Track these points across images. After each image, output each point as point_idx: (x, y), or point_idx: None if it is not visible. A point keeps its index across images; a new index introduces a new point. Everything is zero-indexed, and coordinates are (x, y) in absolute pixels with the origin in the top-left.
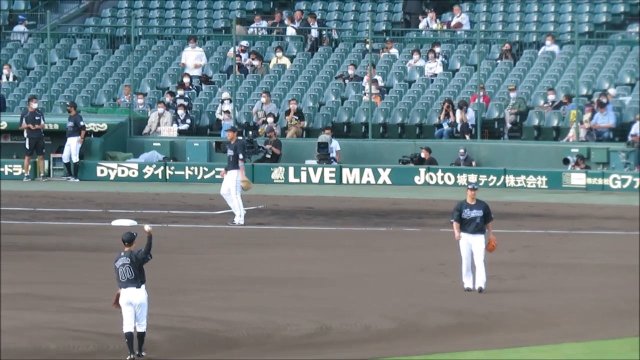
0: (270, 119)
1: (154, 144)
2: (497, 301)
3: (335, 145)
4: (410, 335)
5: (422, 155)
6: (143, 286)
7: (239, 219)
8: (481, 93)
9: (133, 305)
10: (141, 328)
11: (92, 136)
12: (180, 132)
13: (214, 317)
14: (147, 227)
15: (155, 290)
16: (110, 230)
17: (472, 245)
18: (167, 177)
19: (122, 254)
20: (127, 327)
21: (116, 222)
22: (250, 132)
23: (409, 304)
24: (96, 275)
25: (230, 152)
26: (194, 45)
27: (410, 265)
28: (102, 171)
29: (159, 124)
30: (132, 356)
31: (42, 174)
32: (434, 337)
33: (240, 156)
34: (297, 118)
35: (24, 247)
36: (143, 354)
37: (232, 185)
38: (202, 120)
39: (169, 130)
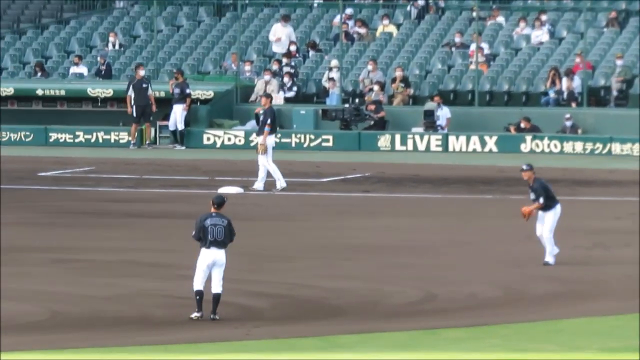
0: (376, 87)
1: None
2: (602, 269)
3: (445, 112)
4: (516, 303)
5: (522, 125)
6: (225, 249)
7: (279, 183)
8: (577, 60)
9: (215, 267)
10: (219, 289)
11: (198, 104)
12: (287, 100)
13: (319, 285)
14: None
15: (260, 258)
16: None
17: (542, 220)
18: (274, 145)
19: (214, 214)
20: (199, 285)
21: (223, 190)
22: (357, 100)
23: (514, 272)
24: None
25: (261, 117)
26: (285, 24)
27: (516, 233)
28: (208, 139)
29: (265, 91)
30: (200, 314)
31: (148, 142)
32: (539, 304)
33: (268, 122)
34: (403, 85)
35: (129, 215)
36: (217, 317)
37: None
38: (308, 87)
39: (275, 98)
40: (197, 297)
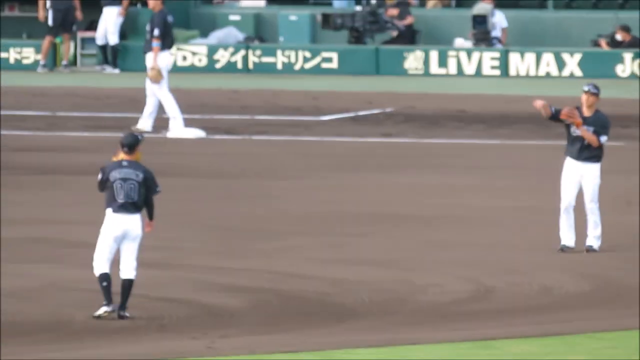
0: None
1: (231, 18)
2: None
3: (500, 19)
4: (610, 301)
5: (618, 36)
6: (140, 214)
7: (142, 122)
8: None
9: (126, 240)
10: (130, 273)
11: (138, 6)
12: (270, 0)
13: (318, 274)
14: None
15: (233, 234)
16: (166, 146)
17: (581, 177)
18: (251, 67)
19: (124, 163)
20: (103, 265)
21: (175, 133)
22: (373, 1)
23: (608, 255)
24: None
25: (147, 27)
26: None
27: (608, 196)
28: None
29: None
30: (110, 308)
31: (64, 62)
32: None
33: (155, 32)
34: None
35: (39, 170)
36: (127, 314)
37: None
38: None
39: None
40: (104, 284)
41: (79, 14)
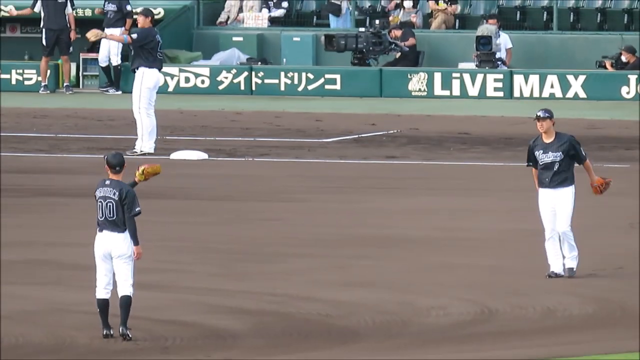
0: (406, 2)
1: (234, 39)
2: None
3: (504, 40)
4: (618, 324)
5: (623, 58)
6: (127, 233)
7: (139, 143)
8: None
9: (115, 259)
10: (126, 290)
11: None
12: (273, 21)
13: (321, 296)
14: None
15: (235, 256)
16: (168, 167)
17: (554, 204)
18: (254, 88)
19: (107, 182)
20: (101, 289)
21: (177, 155)
22: (377, 22)
23: (614, 276)
24: (146, 234)
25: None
26: None
27: (612, 218)
28: None
29: (241, 9)
30: (107, 331)
31: (66, 84)
32: None
33: (133, 35)
34: (446, 1)
35: (40, 192)
36: (129, 334)
37: (135, 88)
38: (304, 4)
39: (255, 19)
40: (98, 309)
41: (73, 34)
